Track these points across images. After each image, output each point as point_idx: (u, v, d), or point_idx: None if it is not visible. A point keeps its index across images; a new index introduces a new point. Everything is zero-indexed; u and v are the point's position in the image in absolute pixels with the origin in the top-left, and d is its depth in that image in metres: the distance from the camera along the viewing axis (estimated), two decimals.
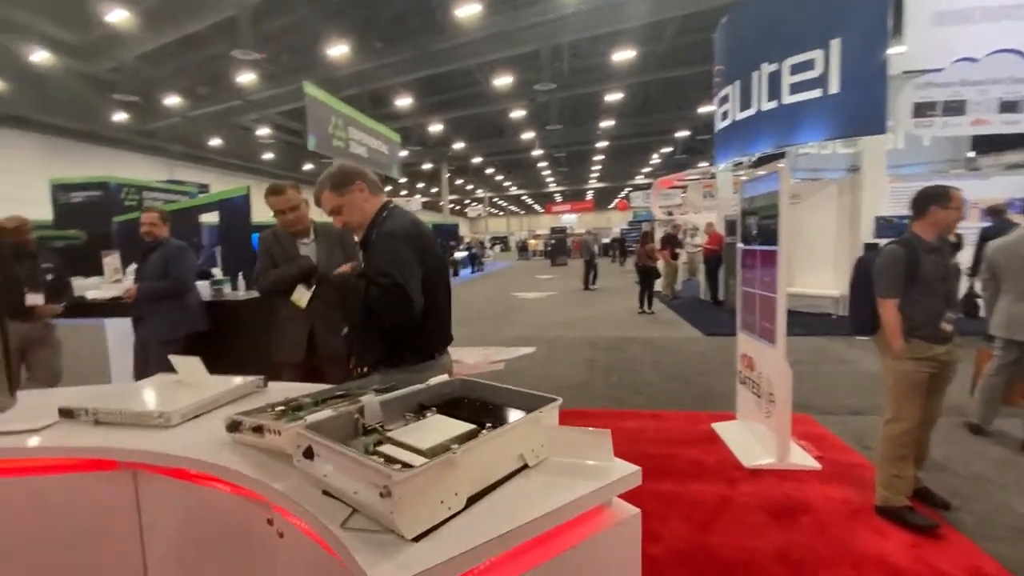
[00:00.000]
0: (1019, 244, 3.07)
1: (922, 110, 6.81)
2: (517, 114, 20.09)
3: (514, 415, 1.10)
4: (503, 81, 16.51)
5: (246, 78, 15.44)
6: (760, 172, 2.81)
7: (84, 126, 18.41)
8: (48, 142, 18.84)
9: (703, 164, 24.08)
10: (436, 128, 21.89)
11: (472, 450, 0.89)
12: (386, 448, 0.96)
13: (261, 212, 3.57)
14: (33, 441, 1.29)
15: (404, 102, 17.97)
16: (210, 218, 9.87)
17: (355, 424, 1.08)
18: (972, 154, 10.43)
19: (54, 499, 1.31)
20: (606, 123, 21.59)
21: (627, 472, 1.02)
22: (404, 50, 14.42)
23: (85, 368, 4.32)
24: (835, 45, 6.75)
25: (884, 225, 6.89)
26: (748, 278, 3.15)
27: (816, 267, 8.03)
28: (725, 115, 8.93)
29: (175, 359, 1.68)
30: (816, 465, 2.82)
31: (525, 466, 1.02)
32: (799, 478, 2.71)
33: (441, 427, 1.06)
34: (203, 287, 3.81)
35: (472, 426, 1.04)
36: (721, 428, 3.37)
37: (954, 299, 2.73)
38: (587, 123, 22.28)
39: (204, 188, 15.91)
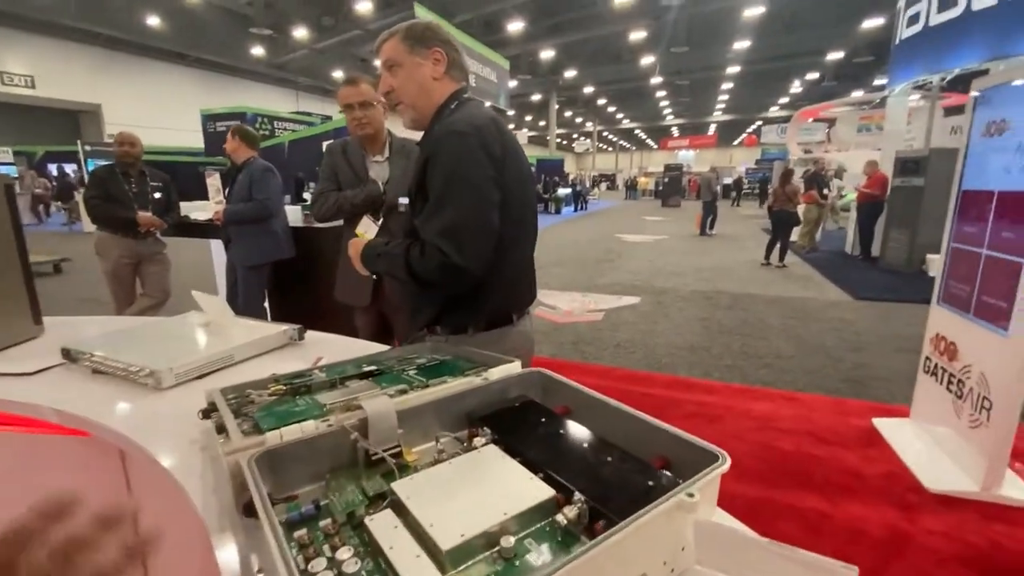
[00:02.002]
0: None
1: None
2: (637, 36, 18.03)
3: (631, 478, 0.58)
4: None
5: (363, 6, 15.39)
6: None
7: (227, 60, 20.05)
8: (200, 75, 20.86)
9: (857, 93, 20.14)
10: (547, 55, 20.53)
11: None
12: (379, 523, 0.51)
13: None
14: (10, 392, 1.04)
15: (516, 26, 16.86)
16: None
17: (351, 450, 0.64)
18: None
19: (35, 462, 1.08)
20: (740, 44, 18.66)
21: None
22: None
23: (196, 286, 4.56)
24: None
25: None
26: (968, 232, 2.22)
27: None
28: (914, 19, 6.97)
29: (198, 296, 1.38)
30: None
31: None
32: (1015, 519, 1.92)
33: (494, 482, 0.58)
34: (294, 212, 3.68)
35: (549, 491, 0.55)
36: (887, 427, 2.58)
37: None
38: (717, 45, 19.44)
39: (328, 119, 16.67)
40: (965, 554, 1.75)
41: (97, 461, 1.04)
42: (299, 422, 0.68)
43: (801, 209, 8.61)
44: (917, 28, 6.89)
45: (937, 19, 6.51)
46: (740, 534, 0.52)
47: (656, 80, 23.53)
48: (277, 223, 3.18)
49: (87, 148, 10.99)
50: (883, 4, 13.38)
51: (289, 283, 3.39)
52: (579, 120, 37.35)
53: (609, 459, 0.62)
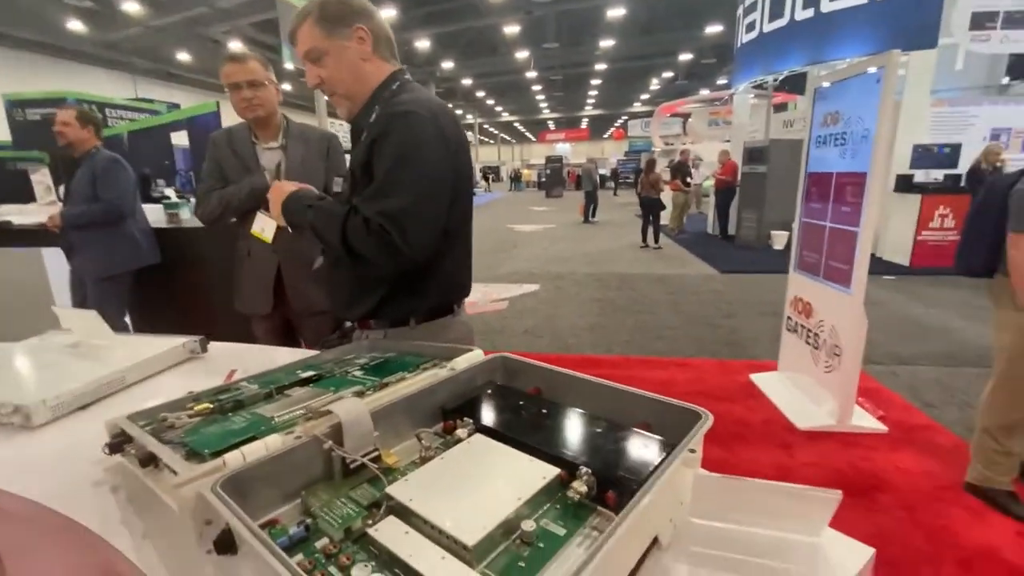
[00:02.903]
0: None
1: (980, 20, 5.99)
2: (511, 30, 18.38)
3: (628, 445, 0.59)
4: None
5: None
6: (873, 69, 2.20)
7: (38, 37, 16.57)
8: (2, 55, 17.05)
9: (704, 91, 22.73)
10: (423, 45, 20.11)
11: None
12: (386, 532, 0.46)
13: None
14: None
15: (388, 13, 16.25)
16: (182, 140, 8.83)
17: (326, 460, 0.57)
18: (1006, 80, 9.64)
19: None
20: (606, 42, 19.95)
21: (863, 559, 0.53)
22: None
23: (26, 305, 3.77)
24: None
25: (923, 154, 6.28)
26: (814, 208, 2.62)
27: None
28: (751, 27, 7.97)
29: (60, 311, 1.15)
30: (881, 427, 2.44)
31: (655, 542, 0.54)
32: (865, 444, 2.33)
33: (495, 470, 0.56)
34: (155, 211, 3.20)
35: (555, 470, 0.54)
36: (762, 380, 2.97)
37: None
38: (586, 43, 20.58)
39: (175, 107, 14.51)
40: (834, 479, 2.08)
41: None
42: (251, 439, 0.60)
43: (667, 195, 9.50)
44: (754, 35, 7.91)
45: (769, 27, 7.52)
46: (733, 479, 0.56)
47: (531, 75, 24.27)
48: (134, 224, 2.73)
49: None
50: (721, 13, 15.20)
51: (154, 294, 2.94)
52: (460, 112, 37.27)
53: (599, 430, 0.63)
